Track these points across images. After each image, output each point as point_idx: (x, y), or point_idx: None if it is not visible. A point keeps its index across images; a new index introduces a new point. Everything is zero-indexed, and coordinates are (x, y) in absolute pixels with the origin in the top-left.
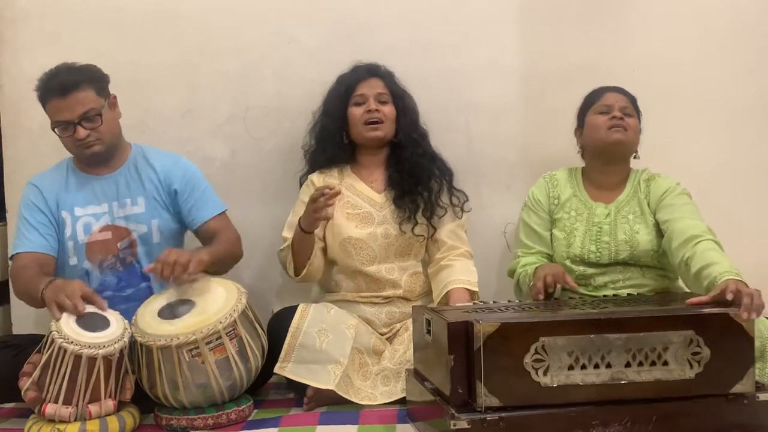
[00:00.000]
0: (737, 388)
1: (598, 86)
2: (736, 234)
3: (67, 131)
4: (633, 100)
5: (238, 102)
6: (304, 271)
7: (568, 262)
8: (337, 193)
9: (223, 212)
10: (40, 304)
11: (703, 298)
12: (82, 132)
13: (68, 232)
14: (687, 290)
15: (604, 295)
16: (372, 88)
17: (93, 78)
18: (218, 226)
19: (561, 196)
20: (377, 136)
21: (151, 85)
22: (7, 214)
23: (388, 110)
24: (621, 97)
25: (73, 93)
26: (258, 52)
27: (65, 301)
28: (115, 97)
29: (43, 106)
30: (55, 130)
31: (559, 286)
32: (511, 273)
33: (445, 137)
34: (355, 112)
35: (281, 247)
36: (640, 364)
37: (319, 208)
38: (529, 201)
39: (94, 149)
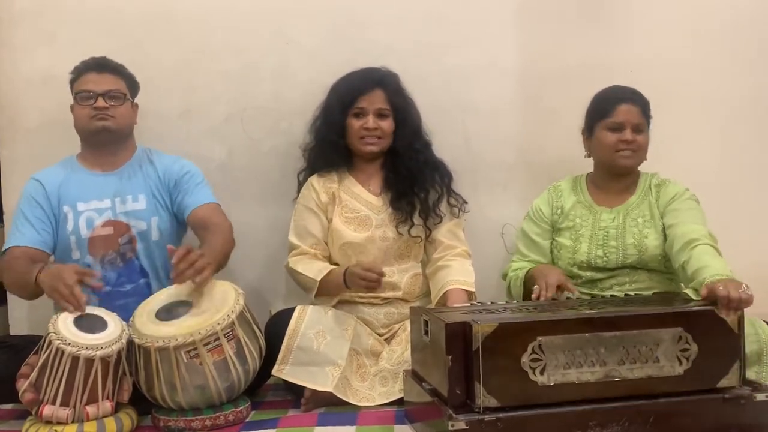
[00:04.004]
0: (723, 383)
1: (595, 86)
2: (734, 233)
3: (88, 100)
4: (645, 109)
5: (236, 102)
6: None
7: (575, 269)
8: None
9: (213, 203)
10: (32, 290)
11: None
12: (102, 102)
13: (70, 227)
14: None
15: (602, 295)
16: (372, 102)
17: (128, 76)
18: (206, 214)
19: (564, 205)
20: (372, 151)
21: (149, 85)
22: (4, 216)
23: (387, 125)
24: (634, 110)
25: (108, 73)
26: (256, 53)
27: (64, 291)
28: (137, 105)
29: (74, 81)
30: (77, 98)
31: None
32: (504, 276)
33: (442, 138)
34: (354, 124)
35: (297, 270)
36: (633, 361)
37: (368, 283)
38: (532, 212)
39: (106, 123)
